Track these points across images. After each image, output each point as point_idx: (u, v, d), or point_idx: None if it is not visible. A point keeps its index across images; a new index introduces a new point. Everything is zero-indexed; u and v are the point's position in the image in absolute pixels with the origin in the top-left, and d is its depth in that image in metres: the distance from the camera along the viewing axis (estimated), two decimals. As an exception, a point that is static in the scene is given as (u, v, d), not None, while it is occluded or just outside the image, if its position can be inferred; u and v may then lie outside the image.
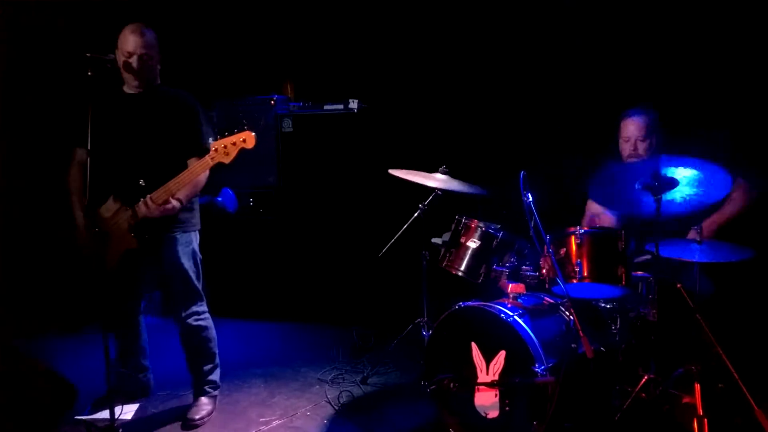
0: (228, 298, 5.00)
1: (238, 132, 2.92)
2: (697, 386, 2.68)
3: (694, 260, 2.82)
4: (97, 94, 2.92)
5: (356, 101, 4.84)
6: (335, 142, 4.93)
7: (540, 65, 4.42)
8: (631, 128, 3.30)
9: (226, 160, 2.92)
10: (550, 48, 4.36)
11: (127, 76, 3.13)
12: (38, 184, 4.47)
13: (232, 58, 5.42)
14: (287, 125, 5.04)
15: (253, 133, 2.92)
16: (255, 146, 5.09)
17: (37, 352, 4.02)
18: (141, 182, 3.05)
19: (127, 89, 3.21)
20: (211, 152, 2.92)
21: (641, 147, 3.27)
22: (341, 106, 4.89)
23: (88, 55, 2.85)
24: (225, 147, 2.90)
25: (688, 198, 2.79)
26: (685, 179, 2.70)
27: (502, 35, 4.55)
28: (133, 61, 3.08)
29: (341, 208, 4.94)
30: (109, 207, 3.10)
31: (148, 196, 3.00)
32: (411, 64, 4.90)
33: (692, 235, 2.98)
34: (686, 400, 2.81)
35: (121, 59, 3.08)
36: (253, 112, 5.07)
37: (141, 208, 3.01)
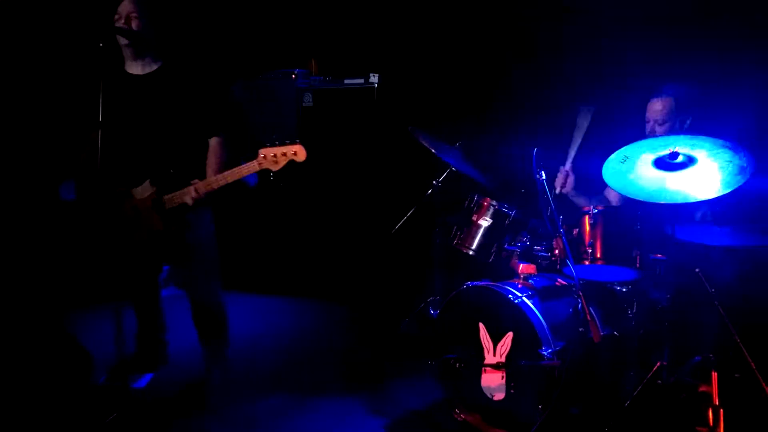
0: (245, 271, 5.02)
1: (290, 144, 2.88)
2: (714, 375, 2.57)
3: (717, 245, 2.70)
4: (107, 70, 2.91)
5: (377, 75, 4.77)
6: (355, 117, 4.87)
7: (564, 41, 4.25)
8: (652, 109, 3.14)
9: (274, 168, 2.91)
10: (575, 21, 4.19)
11: (125, 44, 3.09)
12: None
13: (257, 34, 5.39)
14: (308, 99, 5.00)
15: (305, 149, 2.89)
16: (276, 120, 5.12)
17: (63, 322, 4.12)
18: (174, 169, 3.04)
19: (129, 69, 3.18)
20: (259, 158, 2.89)
21: (659, 131, 3.11)
22: (362, 81, 4.83)
23: (99, 25, 2.84)
24: (274, 156, 2.88)
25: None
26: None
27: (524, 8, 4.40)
28: (123, 22, 3.04)
29: (359, 184, 4.90)
30: (145, 189, 3.09)
31: (193, 186, 2.96)
32: (433, 40, 4.78)
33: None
34: (703, 389, 2.71)
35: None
36: (273, 87, 5.04)
37: (185, 197, 2.98)
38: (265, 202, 5.18)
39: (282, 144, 2.88)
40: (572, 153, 3.27)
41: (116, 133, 3.07)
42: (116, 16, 3.09)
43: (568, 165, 3.29)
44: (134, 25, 3.07)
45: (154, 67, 3.18)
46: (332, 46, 5.28)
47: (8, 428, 2.88)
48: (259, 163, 2.90)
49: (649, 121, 3.16)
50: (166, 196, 3.02)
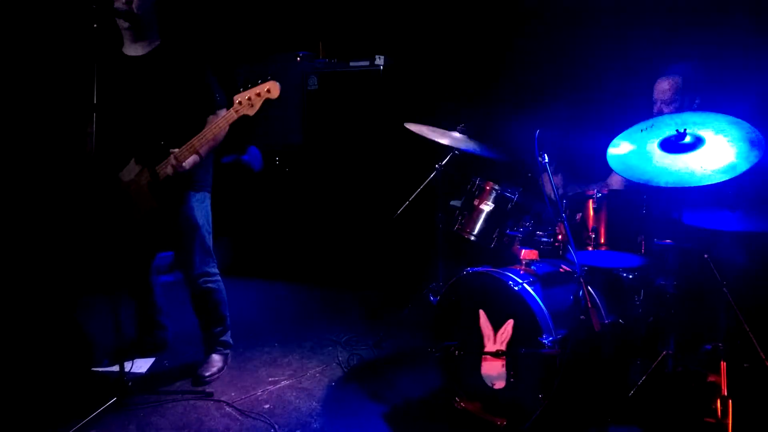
0: (249, 257, 4.99)
1: (263, 83, 2.82)
2: (723, 364, 2.48)
3: (727, 230, 2.58)
4: (102, 51, 2.86)
5: (383, 57, 4.66)
6: (361, 100, 4.78)
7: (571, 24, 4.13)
8: (659, 89, 3.08)
9: (251, 112, 2.84)
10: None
11: (125, 27, 3.05)
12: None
13: (264, 17, 5.32)
14: (313, 83, 4.92)
15: (278, 83, 2.82)
16: (281, 104, 5.07)
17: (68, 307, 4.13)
18: (162, 143, 2.99)
19: (128, 51, 3.14)
20: (234, 105, 2.84)
21: (667, 111, 3.03)
22: (367, 63, 4.73)
23: (93, 7, 2.80)
24: (249, 99, 2.82)
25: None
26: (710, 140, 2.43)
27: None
28: (125, 3, 2.99)
29: (364, 168, 4.82)
30: (131, 169, 3.08)
31: (172, 155, 2.93)
32: (439, 22, 4.68)
33: None
34: (711, 378, 2.62)
35: (116, 6, 3.01)
36: (278, 70, 4.96)
37: (166, 168, 2.96)
38: (274, 189, 5.13)
39: (254, 85, 2.82)
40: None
41: (113, 116, 3.04)
42: None
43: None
44: (135, 5, 3.02)
45: (153, 47, 3.13)
46: (339, 28, 5.19)
47: (9, 412, 2.88)
48: (236, 111, 2.84)
49: (656, 102, 3.08)
50: (158, 168, 2.99)
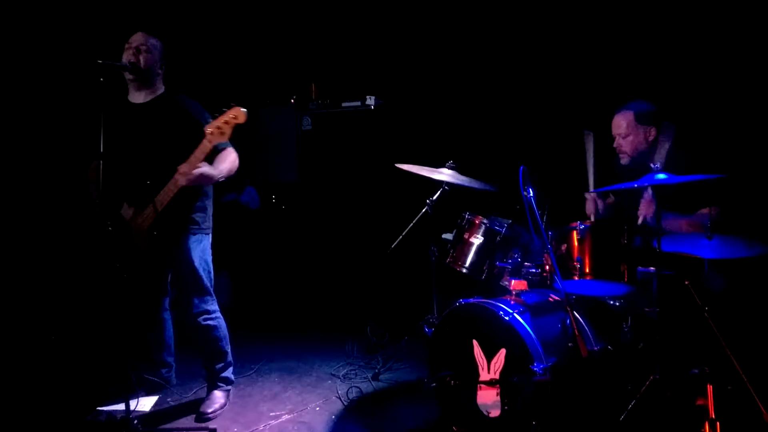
0: (248, 294, 5.06)
1: (227, 110, 2.91)
2: (710, 387, 2.58)
3: (704, 257, 2.71)
4: (108, 102, 2.98)
5: (373, 98, 4.83)
6: (353, 139, 4.95)
7: (552, 62, 4.32)
8: (614, 124, 3.26)
9: (224, 139, 2.94)
10: (560, 43, 4.26)
11: (130, 78, 3.20)
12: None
13: (258, 60, 5.51)
14: (307, 123, 5.09)
15: (244, 109, 2.88)
16: (277, 144, 5.21)
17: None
18: (147, 182, 3.11)
19: (132, 98, 3.29)
20: (207, 137, 2.93)
21: (624, 143, 3.22)
22: (359, 103, 4.90)
23: (99, 62, 2.94)
24: (219, 128, 2.90)
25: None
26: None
27: (513, 33, 4.48)
28: (132, 53, 3.16)
29: (358, 205, 4.96)
30: (126, 211, 3.21)
31: (178, 173, 2.98)
32: (428, 62, 4.87)
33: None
34: (700, 402, 2.70)
35: (125, 58, 3.17)
36: (273, 111, 5.14)
37: (178, 182, 3.00)
38: (268, 224, 5.25)
39: (221, 114, 2.90)
40: (590, 177, 3.34)
41: (116, 160, 3.17)
42: (126, 45, 3.21)
43: (592, 190, 3.37)
44: (142, 59, 3.18)
45: (156, 95, 3.28)
46: (330, 70, 5.37)
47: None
48: (209, 141, 2.93)
49: (616, 137, 3.25)
50: (157, 198, 3.08)
